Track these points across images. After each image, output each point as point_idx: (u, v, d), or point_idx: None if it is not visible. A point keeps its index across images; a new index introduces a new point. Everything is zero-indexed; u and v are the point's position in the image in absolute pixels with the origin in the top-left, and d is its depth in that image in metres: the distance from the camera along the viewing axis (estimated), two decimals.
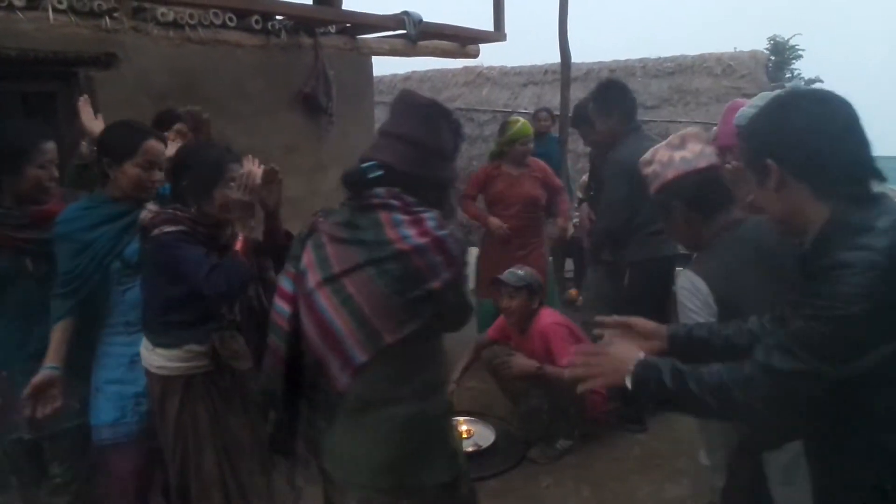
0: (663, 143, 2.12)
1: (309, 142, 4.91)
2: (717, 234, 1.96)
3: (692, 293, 1.87)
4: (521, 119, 4.42)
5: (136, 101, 4.09)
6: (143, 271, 2.11)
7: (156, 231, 1.97)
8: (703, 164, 2.00)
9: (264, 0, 4.41)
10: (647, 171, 2.10)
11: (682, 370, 1.34)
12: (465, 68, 9.67)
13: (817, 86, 14.23)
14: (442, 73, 9.98)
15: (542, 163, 4.46)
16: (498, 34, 5.65)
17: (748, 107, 2.61)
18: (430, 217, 1.49)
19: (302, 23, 4.60)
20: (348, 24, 4.89)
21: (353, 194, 1.54)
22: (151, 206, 2.05)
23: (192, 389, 2.06)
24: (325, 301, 1.47)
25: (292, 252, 1.61)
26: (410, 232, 1.45)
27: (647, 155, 2.12)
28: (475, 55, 5.97)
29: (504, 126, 4.44)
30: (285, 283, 1.60)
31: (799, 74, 14.95)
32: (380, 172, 1.50)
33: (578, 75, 7.88)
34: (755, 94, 7.74)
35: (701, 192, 1.97)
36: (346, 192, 1.58)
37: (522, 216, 4.26)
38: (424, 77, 10.18)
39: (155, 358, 2.06)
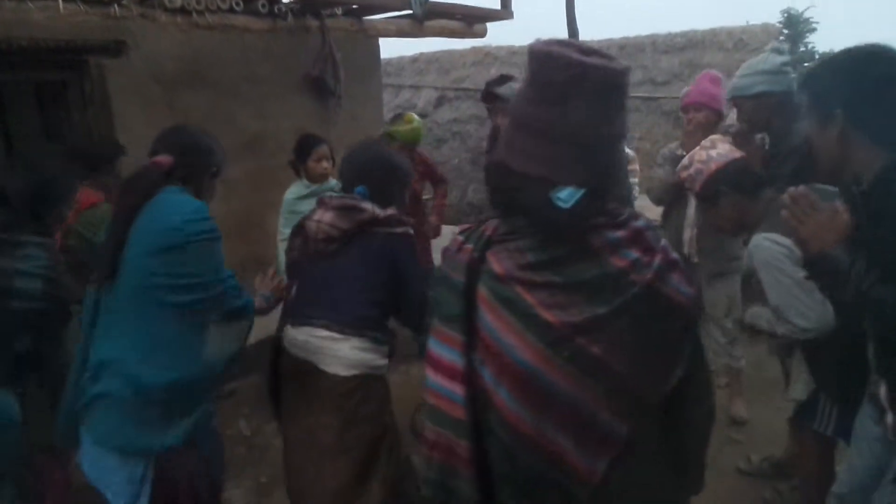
0: (696, 148, 2.35)
1: (318, 124, 4.93)
2: (763, 214, 2.12)
3: (777, 246, 1.93)
4: (416, 122, 3.98)
5: (145, 88, 4.14)
6: (357, 262, 2.04)
7: (401, 229, 2.05)
8: (736, 154, 2.27)
9: None
10: (688, 173, 2.31)
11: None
12: (473, 49, 9.63)
13: None
14: (450, 54, 9.94)
15: (425, 155, 4.22)
16: (505, 12, 5.62)
17: (739, 77, 2.71)
18: (638, 221, 1.13)
19: (308, 5, 4.60)
20: (354, 6, 4.87)
21: (535, 221, 1.10)
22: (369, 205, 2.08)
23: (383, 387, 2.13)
24: (556, 373, 1.05)
25: (444, 309, 1.15)
26: (636, 252, 1.08)
27: (685, 161, 2.36)
28: (482, 34, 5.94)
29: (396, 119, 4.05)
30: (447, 355, 1.13)
31: (813, 48, 14.71)
32: (580, 193, 1.06)
33: None
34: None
35: (743, 175, 2.21)
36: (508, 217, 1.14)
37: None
38: (432, 58, 10.15)
39: (348, 352, 1.99)
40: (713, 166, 2.23)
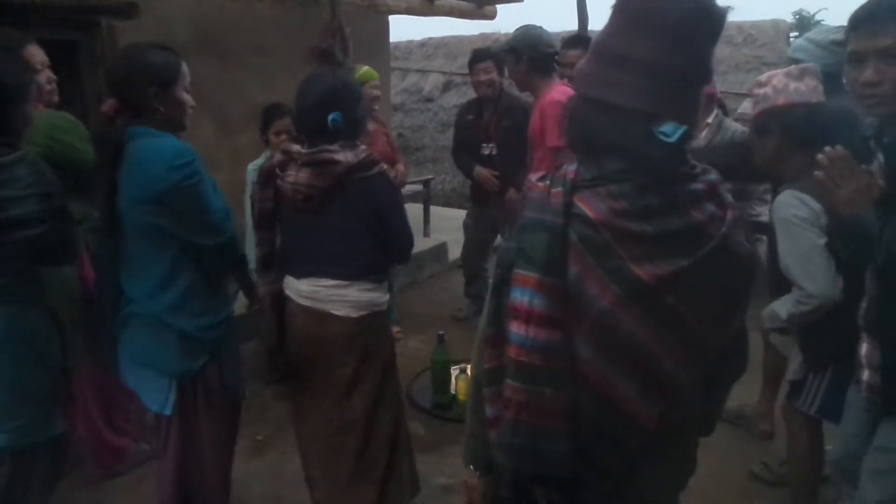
0: (782, 70, 2.18)
1: None
2: (802, 169, 2.01)
3: (802, 206, 1.94)
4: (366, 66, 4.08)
5: None
6: (343, 217, 2.06)
7: (376, 168, 2.03)
8: (814, 99, 2.08)
9: None
10: (758, 91, 2.15)
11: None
12: (482, 35, 9.62)
13: None
14: (458, 40, 9.93)
15: (384, 122, 4.31)
16: None
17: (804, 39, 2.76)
18: (711, 174, 1.13)
19: None
20: None
21: (636, 166, 1.07)
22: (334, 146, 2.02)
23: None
24: (634, 322, 1.05)
25: (538, 255, 1.07)
26: (712, 206, 1.09)
27: (763, 77, 2.17)
28: (492, 16, 5.96)
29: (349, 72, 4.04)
30: (542, 303, 1.06)
31: None
32: (683, 129, 1.04)
33: None
34: (775, 64, 7.68)
35: (803, 126, 2.04)
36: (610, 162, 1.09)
37: None
38: (440, 43, 10.14)
39: (357, 294, 2.09)
40: (780, 101, 2.08)
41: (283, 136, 3.26)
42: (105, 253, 2.00)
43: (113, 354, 2.00)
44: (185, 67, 1.90)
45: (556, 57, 3.55)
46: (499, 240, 4.58)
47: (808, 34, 2.77)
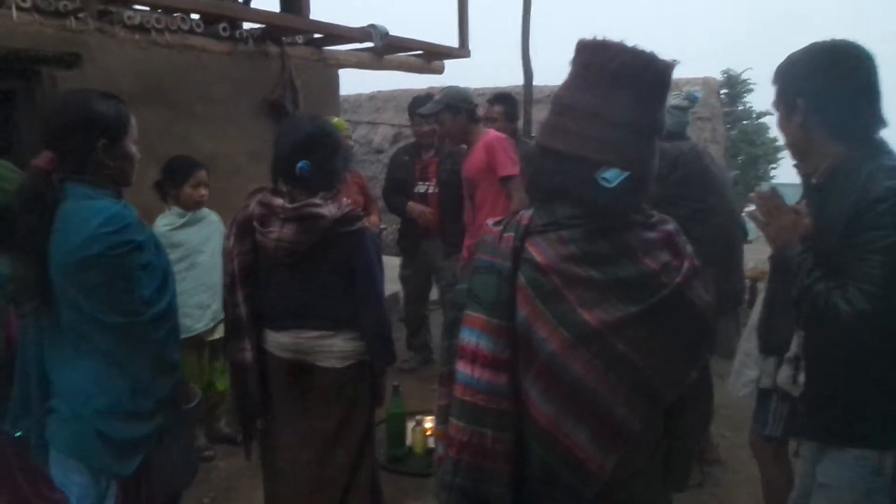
0: None
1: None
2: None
3: None
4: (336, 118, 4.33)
5: None
6: (324, 271, 2.04)
7: (357, 225, 2.00)
8: None
9: (232, 6, 4.46)
10: None
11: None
12: (430, 88, 9.81)
13: (767, 119, 14.93)
14: (406, 93, 10.09)
15: (359, 172, 4.61)
16: (462, 50, 5.80)
17: None
18: (669, 224, 1.16)
19: (270, 31, 4.65)
20: (316, 35, 4.96)
21: (586, 212, 1.09)
22: (321, 200, 2.00)
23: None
24: (582, 367, 1.05)
25: (486, 297, 1.09)
26: (667, 255, 1.11)
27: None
28: (440, 71, 6.10)
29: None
30: (488, 344, 1.08)
31: (751, 107, 15.64)
32: (625, 176, 1.07)
33: (541, 97, 8.09)
34: (708, 119, 8.05)
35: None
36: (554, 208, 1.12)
37: None
38: (389, 96, 10.32)
39: (342, 344, 2.05)
40: None
41: (202, 189, 3.15)
42: (33, 329, 1.72)
43: (37, 441, 1.74)
44: (132, 119, 1.75)
45: (482, 112, 4.02)
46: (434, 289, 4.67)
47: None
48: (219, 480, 3.09)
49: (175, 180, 3.11)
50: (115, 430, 1.64)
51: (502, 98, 4.38)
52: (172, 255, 2.76)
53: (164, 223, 3.09)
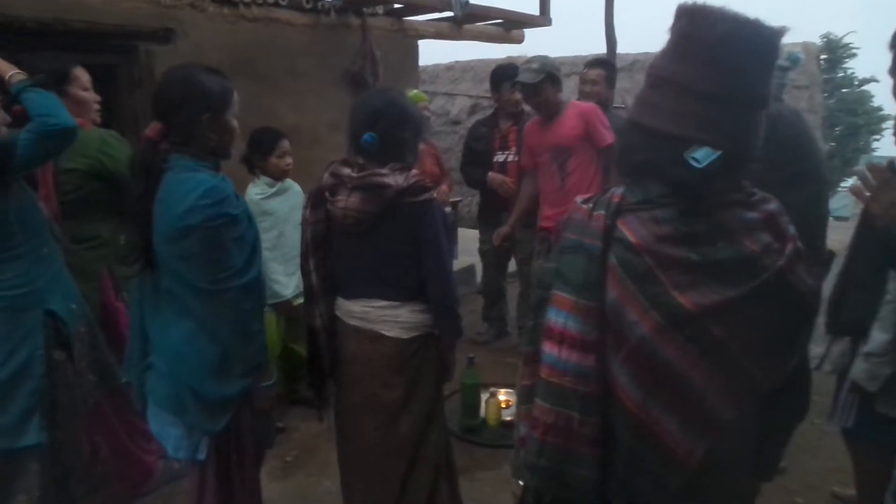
0: None
1: None
2: None
3: None
4: (414, 90, 4.36)
5: None
6: (391, 241, 2.04)
7: (425, 195, 1.98)
8: None
9: None
10: None
11: None
12: (508, 58, 9.66)
13: (871, 86, 13.86)
14: (485, 63, 9.98)
15: (433, 143, 4.53)
16: (543, 18, 5.66)
17: None
18: (771, 204, 1.09)
19: (350, 3, 4.69)
20: (396, 5, 4.96)
21: (676, 190, 1.04)
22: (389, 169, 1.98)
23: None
24: (674, 351, 1.01)
25: (575, 277, 1.07)
26: (769, 237, 1.05)
27: None
28: (520, 41, 5.99)
29: None
30: (576, 326, 1.06)
31: (852, 73, 14.55)
32: (716, 155, 1.00)
33: (624, 66, 7.81)
34: (806, 87, 7.57)
35: None
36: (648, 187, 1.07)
37: None
38: (467, 67, 10.22)
39: (408, 315, 2.05)
40: None
41: (287, 158, 3.22)
42: (137, 289, 1.89)
43: (138, 393, 1.91)
44: (235, 94, 1.83)
45: (579, 76, 4.02)
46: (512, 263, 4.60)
47: None
48: (300, 441, 3.23)
49: (262, 151, 3.19)
50: (206, 389, 1.75)
51: (603, 62, 4.22)
52: (263, 224, 2.91)
53: (257, 192, 3.19)
